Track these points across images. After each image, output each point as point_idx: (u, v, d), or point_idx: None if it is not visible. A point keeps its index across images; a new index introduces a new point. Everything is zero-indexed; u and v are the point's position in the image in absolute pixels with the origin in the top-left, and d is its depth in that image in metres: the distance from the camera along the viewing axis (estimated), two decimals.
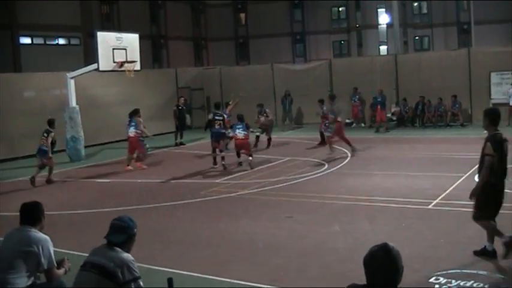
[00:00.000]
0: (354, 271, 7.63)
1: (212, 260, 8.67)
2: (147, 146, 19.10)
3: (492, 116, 8.03)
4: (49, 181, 16.44)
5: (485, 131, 8.16)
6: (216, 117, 18.21)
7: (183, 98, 25.47)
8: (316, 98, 27.68)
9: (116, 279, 4.86)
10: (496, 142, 7.77)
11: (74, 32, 37.04)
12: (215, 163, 17.71)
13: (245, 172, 16.42)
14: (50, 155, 16.38)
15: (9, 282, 5.68)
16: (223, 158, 17.57)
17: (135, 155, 18.55)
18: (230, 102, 21.01)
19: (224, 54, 50.10)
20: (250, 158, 17.35)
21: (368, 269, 3.27)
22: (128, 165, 18.14)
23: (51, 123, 16.62)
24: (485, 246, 8.08)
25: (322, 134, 21.33)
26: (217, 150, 17.93)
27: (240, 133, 17.42)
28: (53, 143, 16.47)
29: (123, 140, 24.32)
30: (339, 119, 19.18)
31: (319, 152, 19.62)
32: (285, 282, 7.58)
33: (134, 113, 18.68)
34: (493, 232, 7.99)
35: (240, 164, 17.47)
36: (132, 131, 18.36)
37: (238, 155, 17.65)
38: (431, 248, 8.62)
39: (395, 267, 3.24)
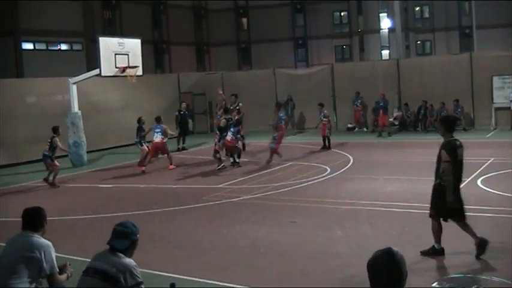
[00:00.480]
0: (357, 276, 7.62)
1: (215, 265, 8.65)
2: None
3: (447, 124, 8.54)
4: (51, 184, 16.65)
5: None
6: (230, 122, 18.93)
7: (184, 103, 25.47)
8: (318, 103, 27.83)
9: (118, 285, 4.86)
10: (450, 148, 8.19)
11: (76, 37, 37.13)
12: (221, 162, 18.29)
13: (247, 177, 16.41)
14: (54, 161, 16.88)
15: (12, 287, 5.67)
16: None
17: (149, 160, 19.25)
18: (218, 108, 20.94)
19: (226, 59, 50.14)
20: (231, 158, 18.57)
21: (372, 273, 3.25)
22: (144, 166, 18.64)
23: (54, 130, 17.27)
24: (433, 246, 8.44)
25: (324, 139, 21.36)
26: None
27: (229, 136, 18.27)
28: (53, 148, 16.93)
29: (125, 145, 24.46)
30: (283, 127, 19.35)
31: (322, 156, 19.60)
32: (289, 287, 7.57)
33: (157, 120, 19.32)
34: (436, 234, 8.47)
35: (236, 163, 18.32)
36: (158, 137, 18.91)
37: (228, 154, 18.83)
38: None
39: (399, 272, 3.23)
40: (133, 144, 21.04)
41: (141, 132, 19.89)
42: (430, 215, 8.59)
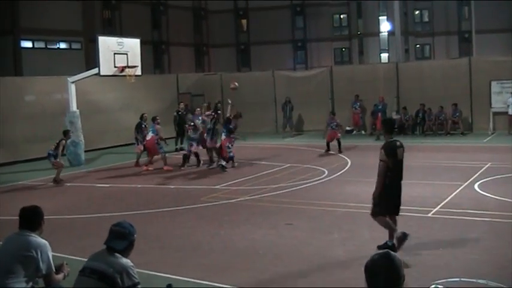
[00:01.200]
0: (354, 279, 7.63)
1: (212, 266, 8.65)
2: (163, 149, 19.21)
3: (387, 126, 9.18)
4: (55, 181, 16.81)
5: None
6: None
7: (183, 103, 25.42)
8: (317, 105, 27.84)
9: (115, 285, 4.85)
10: (389, 148, 8.63)
11: (75, 37, 37.13)
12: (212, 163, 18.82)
13: (244, 178, 16.40)
14: (58, 159, 17.08)
15: (8, 286, 5.67)
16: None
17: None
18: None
19: (225, 60, 50.17)
20: (222, 162, 18.16)
21: (369, 276, 3.26)
22: (146, 165, 18.73)
23: (65, 133, 17.70)
24: (386, 242, 8.64)
25: (328, 144, 21.06)
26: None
27: (223, 135, 18.45)
28: (59, 149, 17.23)
29: (123, 145, 24.47)
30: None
31: (319, 159, 19.60)
32: None
33: (153, 120, 19.22)
34: (388, 227, 8.77)
35: (223, 167, 18.08)
36: (149, 135, 18.90)
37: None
38: (431, 256, 8.61)
39: (397, 275, 3.23)
40: (131, 144, 21.04)
41: (140, 128, 19.81)
42: (373, 213, 8.90)
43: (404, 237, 8.57)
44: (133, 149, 20.43)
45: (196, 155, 19.18)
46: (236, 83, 19.77)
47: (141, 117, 20.19)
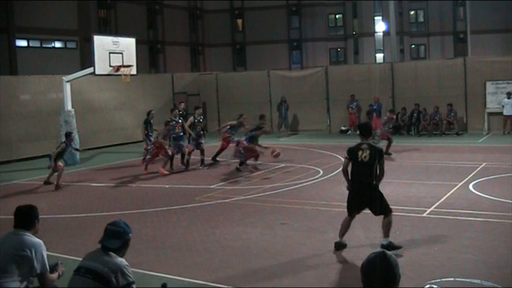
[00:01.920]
0: (349, 279, 7.64)
1: (207, 266, 8.64)
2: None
3: (360, 129, 9.54)
4: (46, 182, 16.48)
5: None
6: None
7: (183, 104, 25.28)
8: (312, 105, 27.86)
9: (110, 285, 4.84)
10: (351, 150, 9.06)
11: (70, 36, 37.05)
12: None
13: (239, 178, 16.40)
14: (51, 161, 16.44)
15: (2, 286, 5.65)
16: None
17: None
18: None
19: (221, 60, 50.18)
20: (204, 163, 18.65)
21: (366, 276, 3.26)
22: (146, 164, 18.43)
23: (66, 135, 17.39)
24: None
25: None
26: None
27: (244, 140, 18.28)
28: (60, 152, 16.83)
29: (118, 145, 24.45)
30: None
31: (314, 158, 19.61)
32: None
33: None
34: (343, 228, 9.13)
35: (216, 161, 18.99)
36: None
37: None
38: (425, 256, 8.62)
39: (393, 275, 3.24)
40: (127, 143, 20.97)
41: (150, 124, 19.61)
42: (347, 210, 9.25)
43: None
44: (143, 146, 19.99)
45: (182, 156, 18.82)
46: (278, 151, 18.78)
47: (148, 114, 19.97)
